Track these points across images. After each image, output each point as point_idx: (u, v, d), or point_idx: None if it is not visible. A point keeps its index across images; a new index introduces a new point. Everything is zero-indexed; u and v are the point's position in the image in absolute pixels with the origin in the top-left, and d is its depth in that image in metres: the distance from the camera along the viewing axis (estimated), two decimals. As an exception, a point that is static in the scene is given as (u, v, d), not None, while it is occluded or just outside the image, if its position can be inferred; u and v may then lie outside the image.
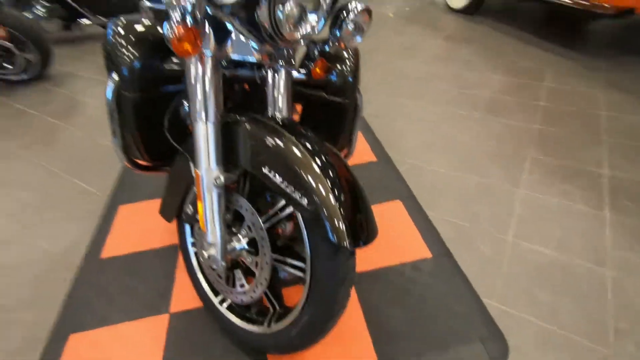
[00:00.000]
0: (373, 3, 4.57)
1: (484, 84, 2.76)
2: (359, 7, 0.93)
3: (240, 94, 1.24)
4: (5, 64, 2.85)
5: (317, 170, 0.80)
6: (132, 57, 0.99)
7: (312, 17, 0.83)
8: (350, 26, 0.96)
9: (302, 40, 0.85)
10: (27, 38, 2.75)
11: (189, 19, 0.71)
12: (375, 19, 3.93)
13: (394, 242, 1.54)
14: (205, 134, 0.87)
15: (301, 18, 0.82)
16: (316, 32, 0.86)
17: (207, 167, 0.90)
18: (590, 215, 1.65)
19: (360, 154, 2.06)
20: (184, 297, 1.35)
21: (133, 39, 1.00)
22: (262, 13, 0.75)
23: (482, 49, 3.31)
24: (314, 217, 0.79)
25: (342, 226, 0.77)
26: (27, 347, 1.23)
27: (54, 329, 1.27)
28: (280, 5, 0.76)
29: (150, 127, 1.10)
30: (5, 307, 1.34)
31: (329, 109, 1.27)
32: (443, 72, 2.96)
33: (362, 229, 0.80)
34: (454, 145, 2.13)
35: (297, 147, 0.83)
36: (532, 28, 3.74)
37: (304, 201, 0.80)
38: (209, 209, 0.94)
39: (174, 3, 0.71)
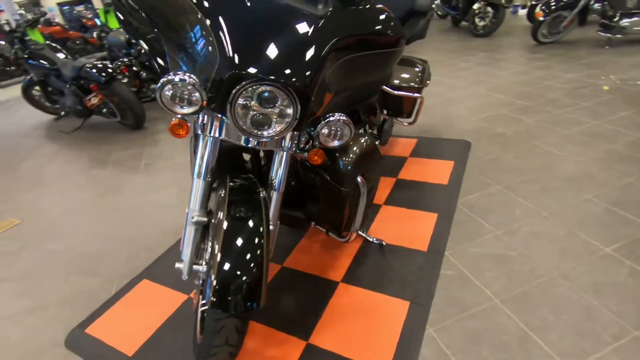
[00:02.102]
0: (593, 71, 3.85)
1: None
2: (342, 118, 1.10)
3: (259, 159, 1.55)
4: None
5: (227, 240, 1.02)
6: None
7: (279, 123, 1.01)
8: (325, 130, 1.12)
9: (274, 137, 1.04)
10: (128, 107, 3.66)
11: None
12: (588, 92, 3.38)
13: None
14: (196, 186, 1.15)
15: (268, 122, 1.01)
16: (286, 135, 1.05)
17: (193, 209, 1.16)
18: None
19: None
20: None
21: None
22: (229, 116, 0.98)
23: None
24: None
25: (217, 290, 0.97)
26: None
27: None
28: (240, 112, 0.98)
29: None
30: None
31: (328, 192, 1.41)
32: None
33: (238, 298, 0.97)
34: None
35: (232, 217, 1.06)
36: None
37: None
38: (187, 237, 1.18)
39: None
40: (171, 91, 0.96)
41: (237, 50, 0.95)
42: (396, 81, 2.14)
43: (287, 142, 1.14)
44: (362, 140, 1.37)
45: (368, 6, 1.22)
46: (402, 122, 2.36)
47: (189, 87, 0.95)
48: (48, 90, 4.22)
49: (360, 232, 1.82)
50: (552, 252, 1.65)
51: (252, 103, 0.99)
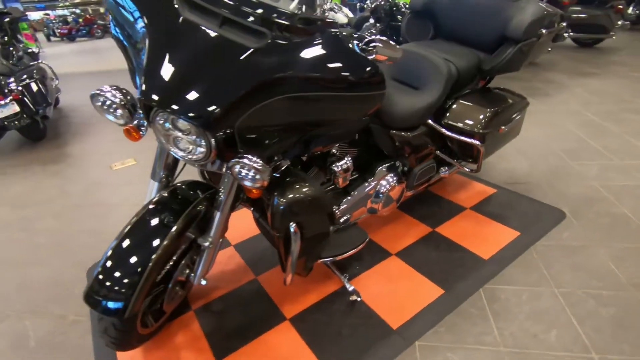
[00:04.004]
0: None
1: None
2: (255, 163, 1.01)
3: None
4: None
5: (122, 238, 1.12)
6: None
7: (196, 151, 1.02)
8: (236, 168, 1.03)
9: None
10: None
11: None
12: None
13: None
14: (150, 186, 1.33)
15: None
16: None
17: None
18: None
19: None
20: None
21: None
22: None
23: None
24: None
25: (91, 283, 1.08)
26: None
27: None
28: (162, 130, 1.02)
29: None
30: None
31: (267, 228, 1.38)
32: None
33: (104, 299, 1.05)
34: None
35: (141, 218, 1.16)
36: None
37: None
38: None
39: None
40: (99, 102, 1.06)
41: (149, 76, 0.96)
42: (451, 116, 1.76)
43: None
44: (304, 188, 1.21)
45: (323, 39, 1.04)
46: (464, 167, 1.94)
47: (114, 105, 1.04)
48: None
49: (341, 277, 1.65)
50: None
51: (168, 126, 1.01)
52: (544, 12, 1.71)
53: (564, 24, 1.92)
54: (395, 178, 1.71)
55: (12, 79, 3.39)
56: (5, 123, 3.29)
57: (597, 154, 2.65)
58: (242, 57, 0.96)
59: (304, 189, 1.21)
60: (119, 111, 1.07)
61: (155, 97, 0.95)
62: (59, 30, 16.73)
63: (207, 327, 1.51)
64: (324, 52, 1.03)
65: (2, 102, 3.25)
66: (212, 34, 0.98)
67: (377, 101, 1.19)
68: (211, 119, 0.95)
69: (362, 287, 1.65)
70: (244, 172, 1.02)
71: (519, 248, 1.82)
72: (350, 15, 5.06)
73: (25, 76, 3.58)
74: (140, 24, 1.04)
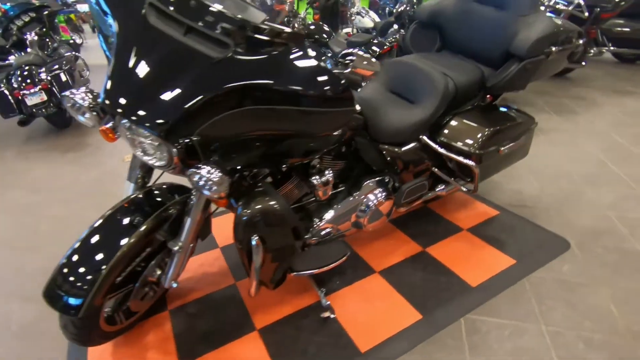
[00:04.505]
0: None
1: None
2: (211, 175, 1.00)
3: None
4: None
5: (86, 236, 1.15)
6: None
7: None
8: (194, 178, 1.02)
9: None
10: None
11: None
12: None
13: None
14: (126, 188, 1.37)
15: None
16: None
17: None
18: None
19: None
20: None
21: None
22: None
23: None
24: None
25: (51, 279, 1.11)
26: None
27: None
28: (127, 135, 1.02)
29: None
30: None
31: None
32: None
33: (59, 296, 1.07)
34: None
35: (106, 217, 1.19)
36: None
37: None
38: None
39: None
40: (69, 104, 1.08)
41: (112, 82, 0.98)
42: (446, 134, 1.68)
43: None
44: (269, 202, 1.19)
45: (288, 52, 1.01)
46: (461, 186, 1.85)
47: (82, 108, 1.06)
48: None
49: (318, 291, 1.62)
50: None
51: (129, 133, 1.02)
52: (555, 29, 1.60)
53: (581, 42, 1.78)
54: (383, 193, 1.66)
55: (42, 69, 3.58)
56: (34, 110, 3.49)
57: (618, 181, 2.46)
58: (202, 67, 0.95)
59: (269, 203, 1.18)
60: (87, 114, 1.09)
61: (115, 103, 0.96)
62: (104, 22, 17.56)
63: (178, 328, 1.52)
64: (287, 65, 1.00)
65: (32, 90, 3.45)
66: (175, 42, 0.97)
67: (345, 118, 1.15)
68: (167, 128, 0.95)
69: (338, 303, 1.61)
70: (201, 182, 1.01)
71: (511, 277, 1.71)
72: (377, 19, 4.98)
73: (56, 66, 3.77)
74: (113, 29, 1.05)
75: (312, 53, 1.03)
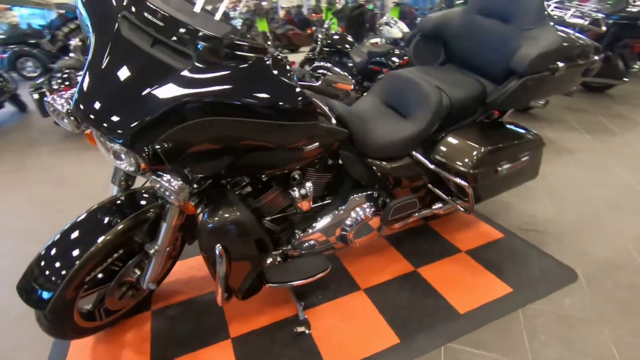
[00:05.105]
0: None
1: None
2: (171, 184, 1.04)
3: None
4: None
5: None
6: None
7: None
8: (156, 186, 1.06)
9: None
10: None
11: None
12: None
13: None
14: (110, 190, 1.46)
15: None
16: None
17: None
18: None
19: None
20: None
21: None
22: None
23: None
24: None
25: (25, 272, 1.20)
26: None
27: None
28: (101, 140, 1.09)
29: None
30: None
31: None
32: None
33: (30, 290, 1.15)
34: None
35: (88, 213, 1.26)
36: None
37: None
38: None
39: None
40: (51, 109, 1.15)
41: (81, 88, 1.02)
42: (439, 151, 1.61)
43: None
44: (233, 212, 1.19)
45: (250, 65, 1.01)
46: (458, 206, 1.76)
47: (61, 114, 1.12)
48: None
49: (297, 304, 1.59)
50: None
51: (101, 139, 1.07)
52: (562, 44, 1.49)
53: (598, 57, 1.65)
54: (370, 209, 1.62)
55: (80, 73, 3.86)
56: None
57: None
58: (164, 77, 0.98)
59: (233, 214, 1.19)
60: (66, 119, 1.15)
61: (84, 110, 1.01)
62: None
63: (157, 330, 1.56)
64: (247, 78, 1.01)
65: (70, 92, 3.73)
66: (143, 53, 1.01)
67: (308, 132, 1.13)
68: (131, 136, 0.98)
69: (316, 318, 1.58)
70: (162, 189, 1.04)
71: (504, 307, 1.59)
72: (406, 29, 4.91)
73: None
74: (90, 39, 1.11)
75: (274, 67, 1.03)
